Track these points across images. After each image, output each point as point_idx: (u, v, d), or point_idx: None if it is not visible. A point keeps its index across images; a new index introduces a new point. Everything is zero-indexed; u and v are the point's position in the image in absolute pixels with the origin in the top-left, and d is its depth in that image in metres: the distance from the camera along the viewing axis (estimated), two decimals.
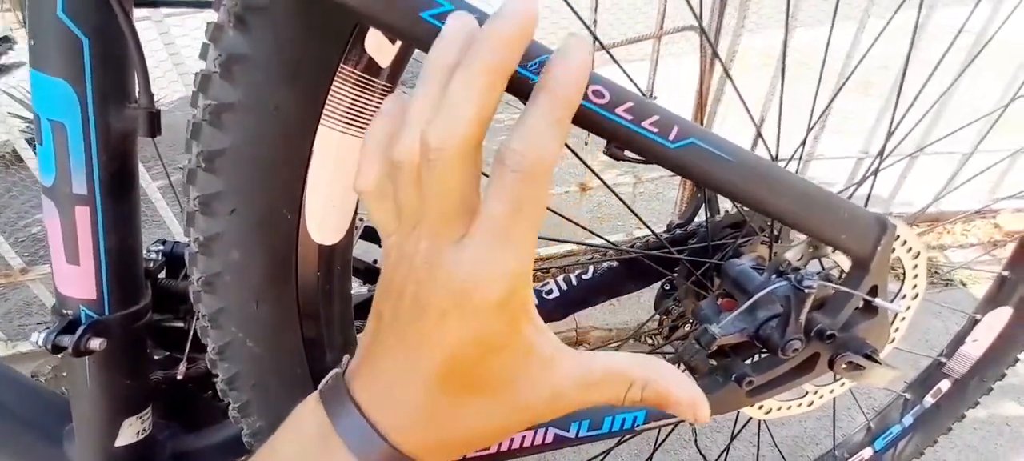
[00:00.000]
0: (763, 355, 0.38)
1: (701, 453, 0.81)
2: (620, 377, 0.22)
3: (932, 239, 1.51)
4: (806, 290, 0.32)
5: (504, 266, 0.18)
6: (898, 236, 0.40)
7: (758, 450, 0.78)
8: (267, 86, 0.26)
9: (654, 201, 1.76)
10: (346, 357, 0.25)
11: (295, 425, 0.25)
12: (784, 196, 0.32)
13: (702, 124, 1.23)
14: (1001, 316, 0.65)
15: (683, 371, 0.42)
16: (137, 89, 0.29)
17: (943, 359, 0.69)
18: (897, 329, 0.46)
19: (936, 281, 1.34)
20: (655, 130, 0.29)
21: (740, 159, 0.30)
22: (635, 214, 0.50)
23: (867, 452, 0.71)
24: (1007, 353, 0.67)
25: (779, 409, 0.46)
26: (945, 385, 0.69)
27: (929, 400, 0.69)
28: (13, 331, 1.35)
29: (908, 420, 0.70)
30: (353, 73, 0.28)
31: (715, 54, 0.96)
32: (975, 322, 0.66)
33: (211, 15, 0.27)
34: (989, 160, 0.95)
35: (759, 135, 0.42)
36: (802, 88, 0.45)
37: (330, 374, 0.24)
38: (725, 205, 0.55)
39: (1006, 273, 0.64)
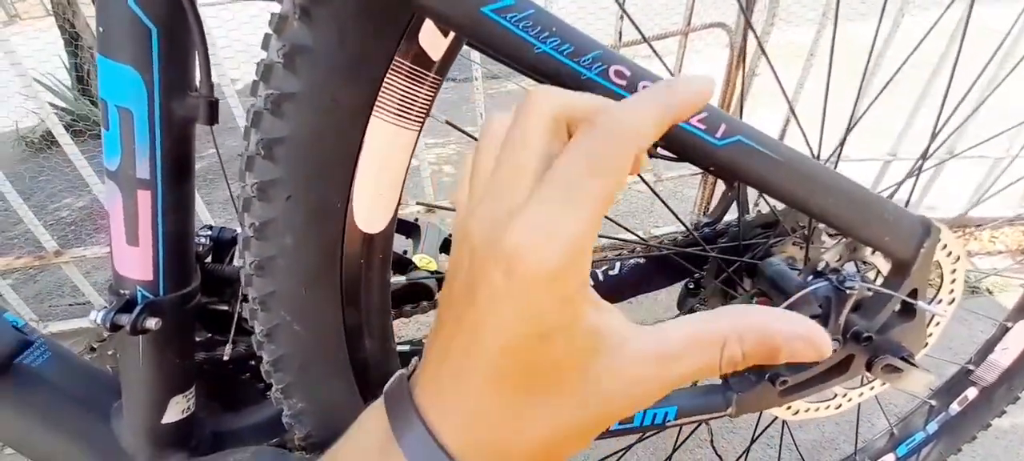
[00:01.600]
0: None
1: (718, 454, 0.81)
2: (709, 338, 0.18)
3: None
4: (847, 291, 0.32)
5: (563, 228, 0.16)
6: (940, 240, 0.39)
7: (780, 453, 0.78)
8: (327, 77, 0.27)
9: (673, 200, 1.75)
10: (415, 359, 0.23)
11: (358, 433, 0.22)
12: (830, 195, 0.32)
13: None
14: None
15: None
16: (198, 78, 0.30)
17: (971, 367, 0.68)
18: (931, 334, 0.46)
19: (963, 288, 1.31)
20: (703, 127, 0.29)
21: (787, 158, 0.30)
22: (669, 208, 0.50)
23: (889, 458, 0.71)
24: None
25: (806, 411, 0.46)
26: (972, 393, 0.67)
27: (955, 408, 0.68)
28: (44, 312, 1.40)
29: (932, 427, 0.69)
30: (406, 65, 0.29)
31: (759, 49, 0.94)
32: (1006, 330, 0.65)
33: (270, 6, 0.28)
34: (1022, 167, 0.92)
35: (800, 130, 0.42)
36: (834, 84, 0.45)
37: (396, 375, 0.22)
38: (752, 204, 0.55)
39: None
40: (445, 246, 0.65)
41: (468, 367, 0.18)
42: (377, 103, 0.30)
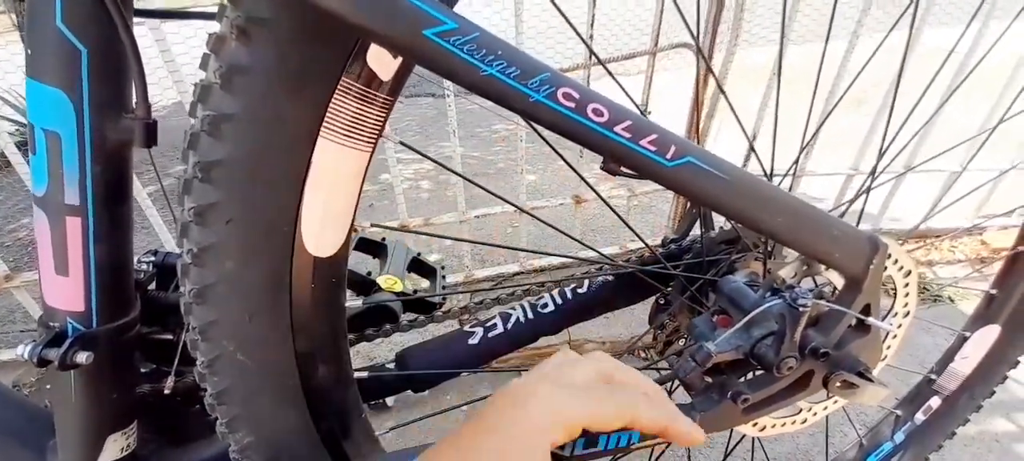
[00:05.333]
0: (758, 372, 0.38)
1: None
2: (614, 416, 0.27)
3: (920, 255, 1.54)
4: (801, 309, 0.32)
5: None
6: (890, 255, 0.40)
7: None
8: (268, 97, 0.26)
9: (648, 214, 1.77)
10: None
11: None
12: (778, 215, 0.32)
13: (697, 138, 1.25)
14: (990, 334, 0.66)
15: (677, 387, 0.42)
16: (134, 99, 0.29)
17: (933, 376, 0.70)
18: (889, 347, 0.47)
19: (925, 297, 1.35)
20: (653, 148, 0.29)
21: (735, 178, 0.30)
22: (631, 228, 0.51)
23: None
24: (996, 370, 0.67)
25: (773, 426, 0.46)
26: (935, 402, 0.69)
27: (920, 417, 0.70)
28: None
29: (899, 437, 0.70)
30: (354, 86, 0.29)
31: (710, 71, 0.97)
32: (964, 339, 0.67)
33: (211, 25, 0.27)
34: (978, 178, 0.97)
35: (752, 151, 0.43)
36: (795, 103, 0.46)
37: None
38: (719, 221, 0.56)
39: (994, 291, 0.65)
40: (413, 265, 0.64)
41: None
42: (324, 124, 0.29)
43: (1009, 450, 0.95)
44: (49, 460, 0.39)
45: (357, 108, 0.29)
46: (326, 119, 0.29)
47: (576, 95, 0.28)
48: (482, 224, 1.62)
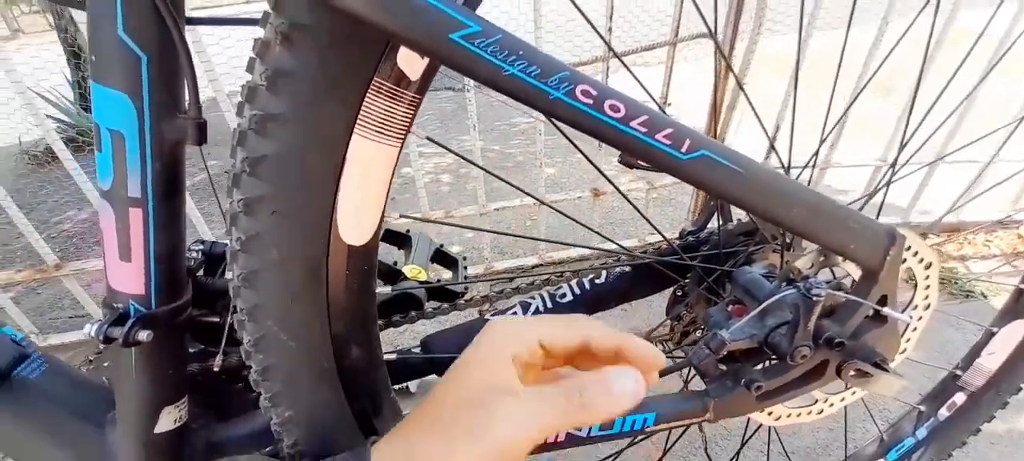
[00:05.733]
0: (772, 362, 0.39)
1: (710, 459, 0.82)
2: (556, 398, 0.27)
3: (953, 249, 1.49)
4: (814, 298, 0.33)
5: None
6: (908, 247, 0.40)
7: (768, 459, 0.78)
8: (309, 98, 0.29)
9: (667, 207, 1.76)
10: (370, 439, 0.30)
11: None
12: (793, 207, 0.33)
13: (716, 130, 1.24)
14: (1018, 330, 0.64)
15: (693, 376, 0.43)
16: (187, 100, 0.32)
17: (958, 372, 0.69)
18: (909, 340, 0.47)
19: (956, 292, 1.31)
20: (668, 142, 0.31)
21: (750, 170, 0.31)
22: (648, 220, 0.52)
23: None
24: (1023, 367, 0.66)
25: (789, 416, 0.47)
26: (960, 398, 0.68)
27: (944, 413, 0.69)
28: (45, 324, 1.41)
29: (922, 433, 0.70)
30: (386, 86, 0.31)
31: (728, 66, 0.96)
32: (991, 335, 0.66)
33: (253, 31, 0.29)
34: (1011, 169, 0.93)
35: (771, 145, 0.43)
36: (822, 93, 0.46)
37: (354, 451, 0.28)
38: (738, 213, 0.56)
39: (1023, 286, 0.63)
40: (436, 256, 0.67)
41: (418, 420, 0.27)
42: (358, 122, 0.31)
43: None
44: (108, 430, 0.43)
45: (388, 105, 0.32)
46: (360, 116, 0.31)
47: (594, 92, 0.29)
48: (501, 217, 1.64)
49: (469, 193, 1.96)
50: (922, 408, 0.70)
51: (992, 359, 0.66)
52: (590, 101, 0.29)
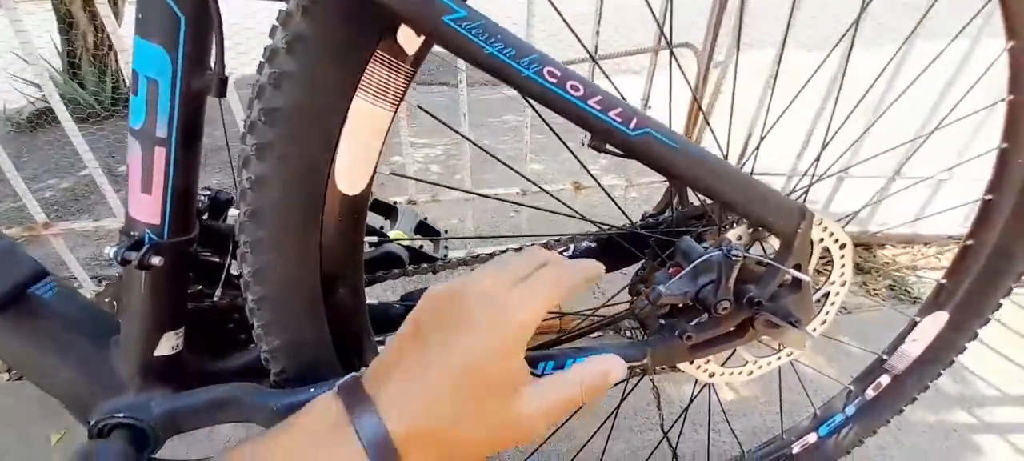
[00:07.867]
0: (703, 318, 0.46)
1: (664, 430, 0.89)
2: (569, 382, 0.30)
3: (906, 260, 1.60)
4: (733, 258, 0.40)
5: (535, 308, 0.29)
6: (826, 230, 0.48)
7: (709, 429, 0.86)
8: (320, 61, 0.34)
9: (644, 205, 1.84)
10: (363, 369, 0.31)
11: (311, 413, 0.29)
12: (724, 181, 0.40)
13: (694, 134, 1.32)
14: (938, 320, 0.73)
15: (637, 327, 0.50)
16: (213, 58, 0.37)
17: (885, 356, 0.77)
18: (827, 313, 0.54)
19: (904, 298, 1.43)
20: (619, 119, 0.37)
21: (685, 147, 0.38)
22: (616, 204, 0.58)
23: (812, 437, 0.79)
24: (943, 354, 0.74)
25: (722, 374, 0.53)
26: (885, 380, 0.76)
27: (870, 393, 0.77)
28: None
29: (850, 410, 0.78)
30: (385, 57, 0.36)
31: (701, 77, 1.04)
32: (914, 324, 0.74)
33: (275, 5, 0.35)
34: (961, 186, 1.03)
35: (715, 138, 0.50)
36: (733, 103, 0.53)
37: (349, 376, 0.30)
38: (693, 200, 0.63)
39: (943, 281, 0.71)
40: (420, 228, 0.72)
41: (424, 375, 0.27)
42: (361, 85, 0.37)
43: (965, 439, 1.02)
44: (112, 350, 0.48)
45: (387, 74, 0.37)
46: (362, 81, 0.36)
47: (558, 73, 0.35)
48: (486, 205, 1.70)
49: (457, 183, 2.02)
50: (852, 387, 0.78)
51: (915, 345, 0.75)
52: (555, 80, 0.35)
